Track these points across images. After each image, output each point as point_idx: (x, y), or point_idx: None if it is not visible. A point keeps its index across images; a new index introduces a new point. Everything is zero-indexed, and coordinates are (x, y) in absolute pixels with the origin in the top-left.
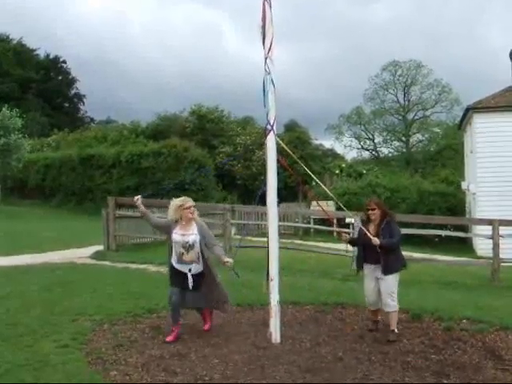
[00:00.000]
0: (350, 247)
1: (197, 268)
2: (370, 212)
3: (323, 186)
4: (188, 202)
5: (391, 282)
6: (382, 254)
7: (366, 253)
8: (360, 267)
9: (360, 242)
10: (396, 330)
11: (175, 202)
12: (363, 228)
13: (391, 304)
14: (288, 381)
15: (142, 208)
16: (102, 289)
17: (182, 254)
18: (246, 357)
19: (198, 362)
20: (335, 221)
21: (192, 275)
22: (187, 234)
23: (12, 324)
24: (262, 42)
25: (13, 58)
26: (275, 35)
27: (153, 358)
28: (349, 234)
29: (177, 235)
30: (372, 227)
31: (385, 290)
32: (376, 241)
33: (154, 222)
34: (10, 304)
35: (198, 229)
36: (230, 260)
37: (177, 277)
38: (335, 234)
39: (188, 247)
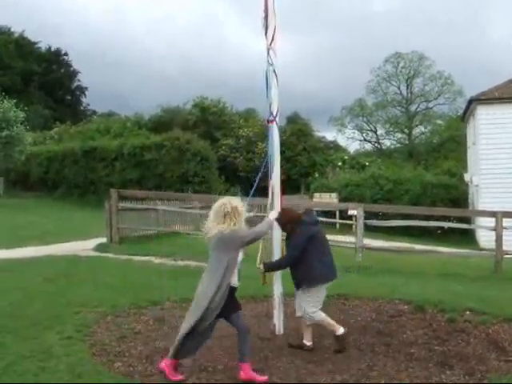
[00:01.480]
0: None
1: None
2: None
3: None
4: None
5: (303, 297)
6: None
7: None
8: None
9: None
10: (308, 344)
11: (241, 205)
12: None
13: (304, 315)
14: (291, 372)
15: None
16: (105, 281)
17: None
18: None
19: (202, 353)
20: (337, 213)
21: None
22: None
23: (16, 316)
24: (265, 33)
25: (14, 51)
26: (278, 26)
27: (157, 349)
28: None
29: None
30: None
31: (298, 302)
32: (260, 268)
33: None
34: (14, 296)
35: None
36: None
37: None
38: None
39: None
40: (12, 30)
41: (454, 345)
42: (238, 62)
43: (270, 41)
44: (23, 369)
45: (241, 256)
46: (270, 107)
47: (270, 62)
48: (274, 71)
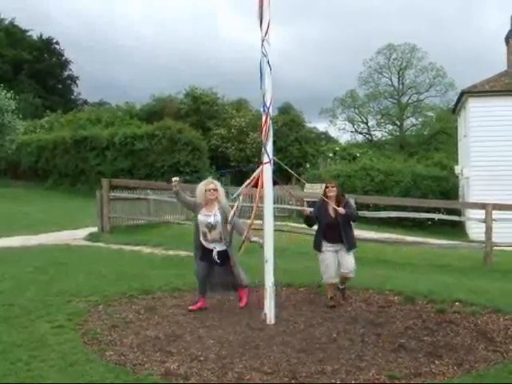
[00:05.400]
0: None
1: (221, 246)
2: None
3: None
4: (210, 184)
5: (353, 258)
6: (343, 232)
7: (327, 232)
8: (319, 248)
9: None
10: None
11: (200, 185)
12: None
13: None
14: (282, 361)
15: (176, 188)
16: (96, 270)
17: (205, 233)
18: (240, 338)
19: (193, 342)
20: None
21: (218, 251)
22: (209, 214)
23: (7, 305)
24: (259, 25)
25: (5, 39)
26: (272, 17)
27: (148, 338)
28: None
29: (201, 215)
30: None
31: (349, 265)
32: (342, 210)
33: (181, 199)
34: (5, 285)
35: (220, 210)
36: (260, 240)
37: (204, 252)
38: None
39: (210, 227)
40: (2, 17)
41: (443, 335)
42: (230, 51)
43: (264, 32)
44: (15, 357)
45: (201, 220)
46: (264, 97)
47: (264, 52)
48: (268, 62)
